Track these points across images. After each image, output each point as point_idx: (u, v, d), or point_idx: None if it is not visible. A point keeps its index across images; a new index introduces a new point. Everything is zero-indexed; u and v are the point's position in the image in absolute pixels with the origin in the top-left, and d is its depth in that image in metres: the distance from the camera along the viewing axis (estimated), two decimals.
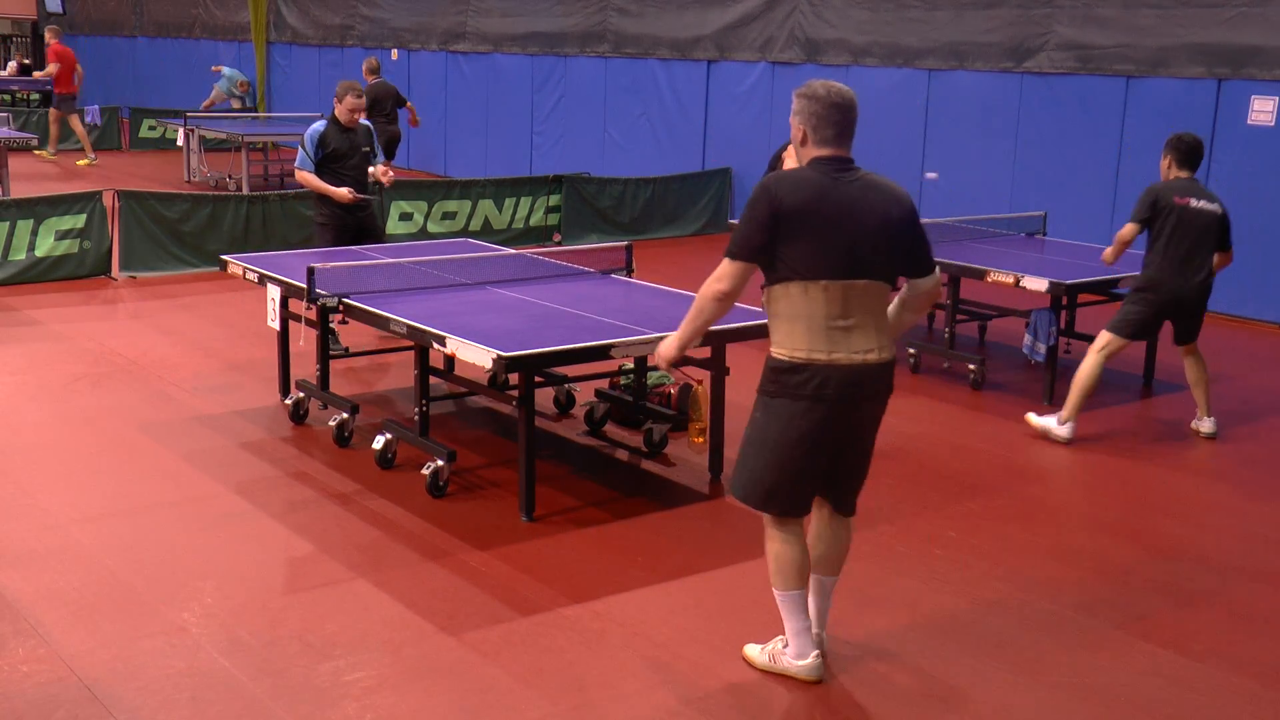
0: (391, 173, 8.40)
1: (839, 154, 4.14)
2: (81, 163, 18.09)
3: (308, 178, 8.20)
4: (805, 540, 4.29)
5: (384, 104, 14.37)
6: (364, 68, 15.02)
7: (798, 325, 4.04)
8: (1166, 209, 6.91)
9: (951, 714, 4.18)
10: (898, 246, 4.15)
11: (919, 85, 12.77)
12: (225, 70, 21.68)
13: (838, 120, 4.12)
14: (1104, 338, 7.04)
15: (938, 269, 4.34)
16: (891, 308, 4.26)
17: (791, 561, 4.22)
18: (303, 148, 8.22)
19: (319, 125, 8.26)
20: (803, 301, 4.02)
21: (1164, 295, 6.95)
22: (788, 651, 4.34)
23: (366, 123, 8.49)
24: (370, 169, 8.31)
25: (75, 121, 18.67)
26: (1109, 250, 7.22)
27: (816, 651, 4.32)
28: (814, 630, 4.42)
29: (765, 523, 4.28)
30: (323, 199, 8.25)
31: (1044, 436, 6.98)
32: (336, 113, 8.27)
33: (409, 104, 15.18)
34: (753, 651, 4.46)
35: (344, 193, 8.11)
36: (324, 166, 8.20)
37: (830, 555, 4.42)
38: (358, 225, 8.33)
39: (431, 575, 5.10)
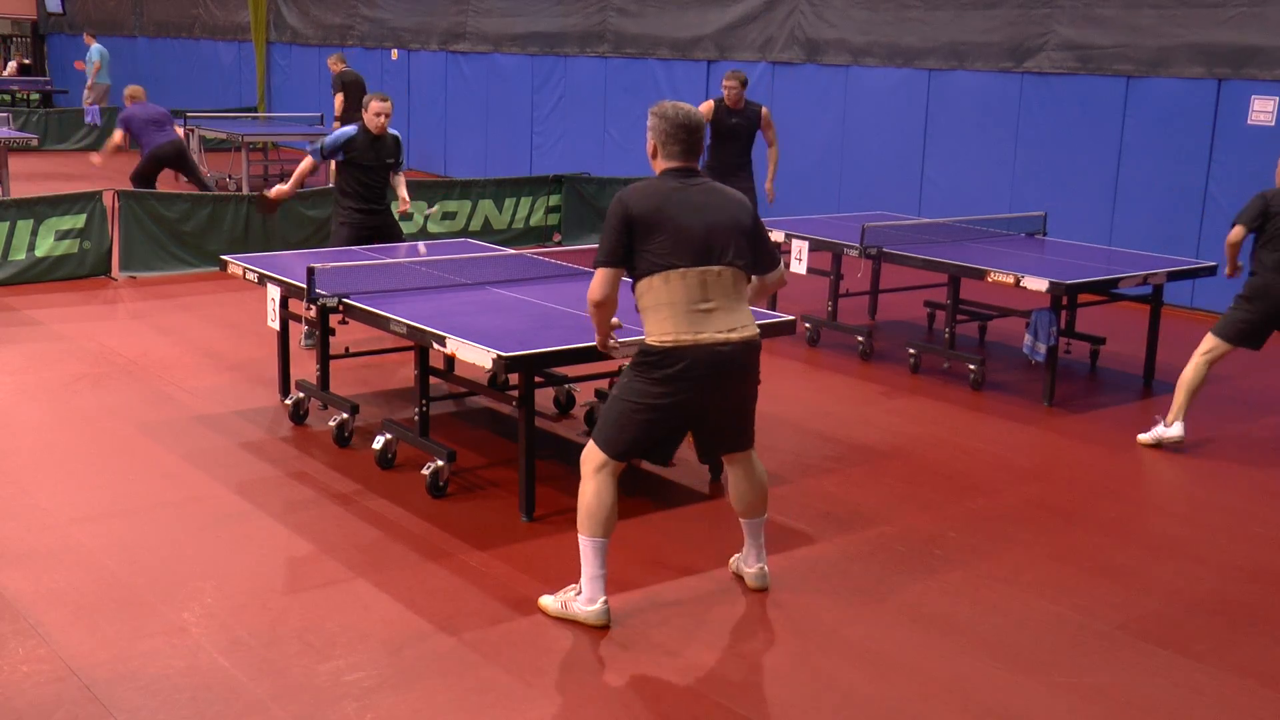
0: (408, 207, 8.61)
1: (685, 165, 4.63)
2: None
3: (302, 165, 8.39)
4: (616, 492, 4.66)
5: (355, 88, 14.98)
6: (336, 59, 15.52)
7: (663, 312, 4.50)
8: (1275, 215, 6.85)
9: (952, 714, 4.18)
10: (745, 241, 4.62)
11: (919, 85, 12.77)
12: (94, 55, 21.61)
13: (684, 139, 4.60)
14: (1209, 341, 6.96)
15: (781, 262, 4.87)
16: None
17: (603, 508, 4.60)
18: (322, 142, 8.32)
19: (349, 129, 8.32)
20: (665, 290, 4.49)
21: (1270, 302, 6.82)
22: (579, 598, 4.67)
23: (396, 133, 8.50)
24: (401, 198, 8.54)
25: None
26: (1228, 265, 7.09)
27: (604, 598, 4.66)
28: (758, 565, 4.99)
29: (587, 472, 4.64)
30: (343, 198, 8.38)
31: (1158, 446, 7.01)
32: (365, 120, 8.32)
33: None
34: (546, 600, 4.79)
35: (285, 188, 8.45)
36: (346, 169, 8.32)
37: (751, 498, 4.90)
38: (374, 228, 8.42)
39: (431, 575, 5.10)
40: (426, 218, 12.46)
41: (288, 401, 7.06)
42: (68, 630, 4.54)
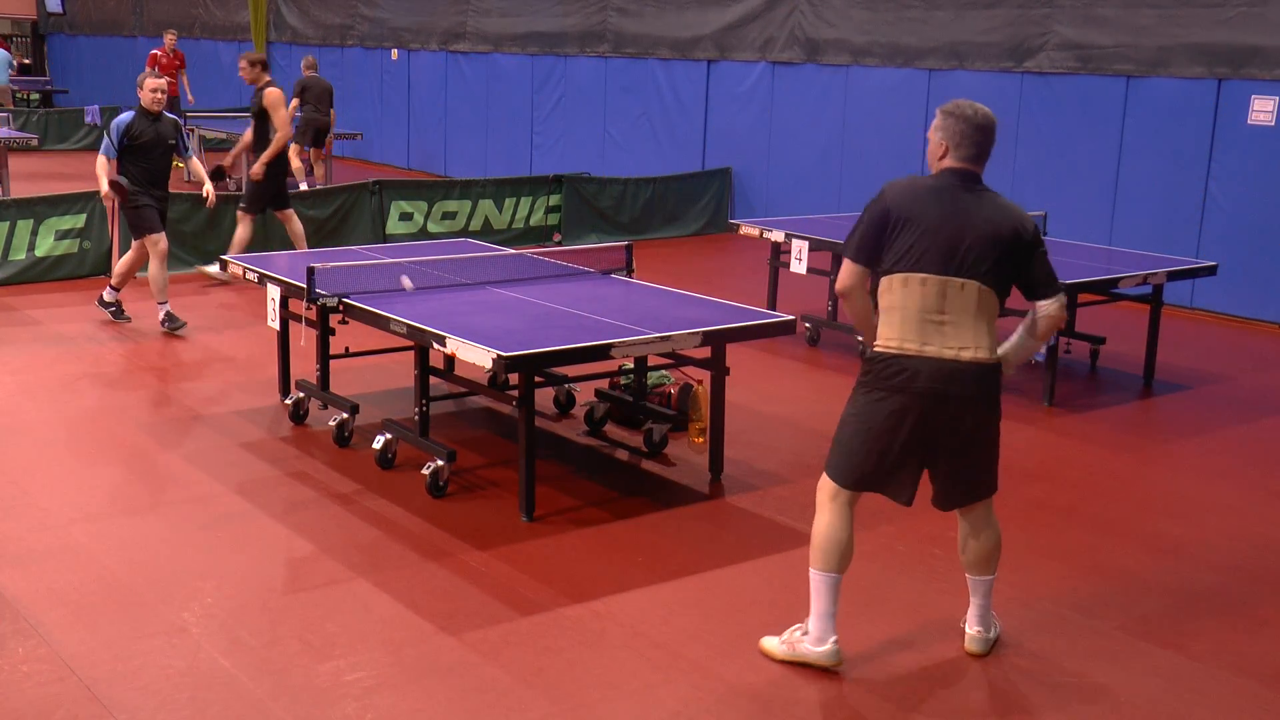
0: (213, 197, 9.44)
1: (970, 169, 4.31)
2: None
3: (99, 167, 8.70)
4: (851, 526, 4.35)
5: (312, 93, 15.25)
6: (303, 63, 15.79)
7: (894, 315, 4.22)
8: None
9: (951, 714, 4.18)
10: (1010, 261, 4.22)
11: (919, 85, 12.77)
12: None
13: (979, 141, 4.29)
14: None
15: (1063, 295, 4.35)
16: (1016, 332, 4.40)
17: (833, 541, 4.31)
18: (108, 135, 8.68)
19: (126, 115, 8.74)
20: (902, 292, 4.20)
21: None
22: (806, 638, 4.39)
23: (174, 117, 8.97)
24: (206, 192, 9.33)
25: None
26: None
27: (834, 638, 4.36)
28: (976, 628, 4.55)
29: (821, 501, 4.37)
30: (135, 191, 8.73)
31: None
32: (141, 100, 8.72)
33: (332, 111, 15.48)
34: (770, 643, 4.50)
35: (104, 185, 8.65)
36: (127, 155, 8.66)
37: (978, 558, 4.49)
38: (161, 214, 8.92)
39: (431, 575, 5.10)
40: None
41: (288, 401, 7.06)
42: (68, 630, 4.54)
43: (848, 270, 4.32)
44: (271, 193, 10.66)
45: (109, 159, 8.69)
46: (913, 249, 4.17)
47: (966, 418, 4.23)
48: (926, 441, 4.25)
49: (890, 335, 4.22)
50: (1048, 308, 4.30)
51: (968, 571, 4.55)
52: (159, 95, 8.73)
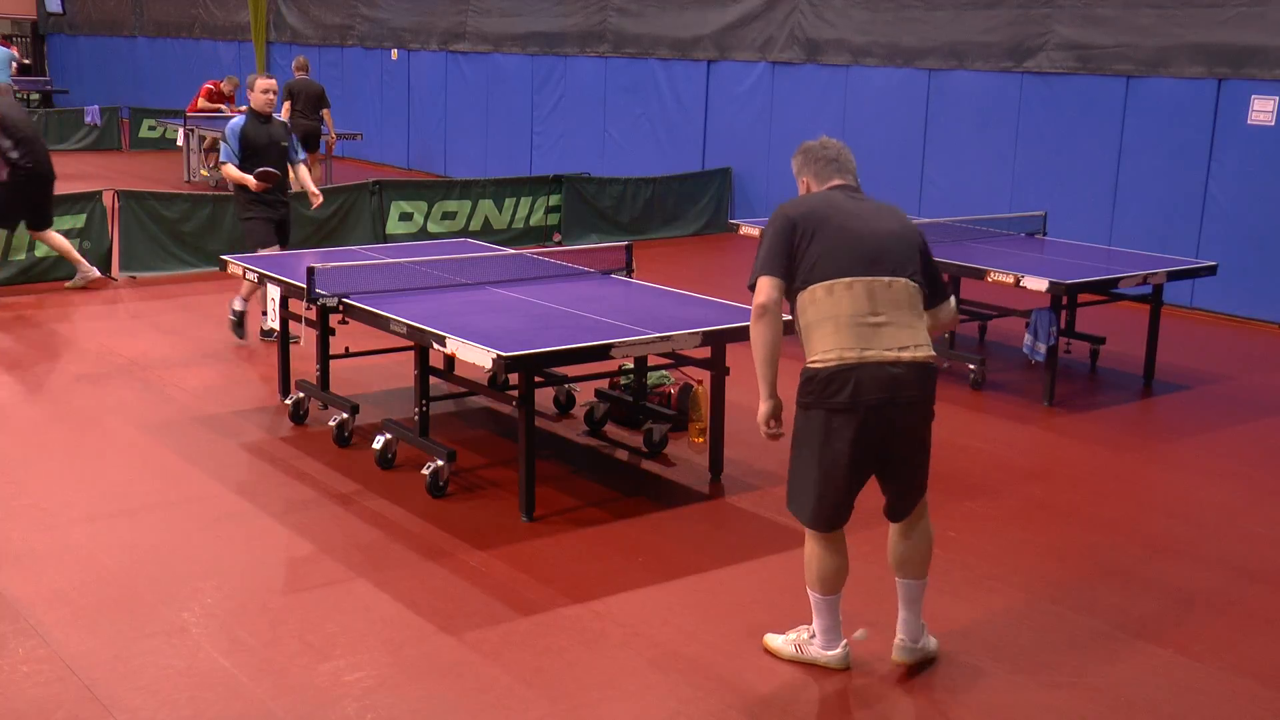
0: (320, 199, 8.98)
1: (846, 183, 4.37)
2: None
3: (230, 171, 8.45)
4: (845, 549, 4.33)
5: (299, 99, 14.90)
6: (293, 64, 15.63)
7: (826, 327, 4.07)
8: None
9: (951, 714, 4.18)
10: (919, 258, 4.24)
11: (919, 85, 12.77)
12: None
13: (834, 159, 4.39)
14: None
15: (953, 299, 4.45)
16: None
17: (828, 568, 4.29)
18: (225, 142, 8.49)
19: (239, 120, 8.55)
20: (828, 301, 4.07)
21: None
22: (815, 642, 4.41)
23: (283, 119, 8.84)
24: (311, 192, 8.83)
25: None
26: None
27: (844, 641, 4.39)
28: (901, 636, 4.40)
29: (807, 532, 4.35)
30: (248, 201, 8.49)
31: None
32: (251, 103, 8.56)
33: (326, 112, 15.21)
34: (775, 641, 4.51)
35: (251, 180, 8.36)
36: (245, 160, 8.45)
37: (909, 558, 4.40)
38: (279, 222, 8.62)
39: (431, 575, 5.10)
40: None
41: (288, 401, 7.06)
42: (68, 630, 4.54)
43: (767, 285, 4.11)
44: (23, 206, 9.86)
45: (235, 165, 8.39)
46: (828, 254, 4.07)
47: (914, 421, 4.17)
48: (879, 455, 4.15)
49: (827, 347, 4.05)
50: (944, 313, 4.36)
51: (899, 574, 4.39)
52: (270, 96, 8.48)
